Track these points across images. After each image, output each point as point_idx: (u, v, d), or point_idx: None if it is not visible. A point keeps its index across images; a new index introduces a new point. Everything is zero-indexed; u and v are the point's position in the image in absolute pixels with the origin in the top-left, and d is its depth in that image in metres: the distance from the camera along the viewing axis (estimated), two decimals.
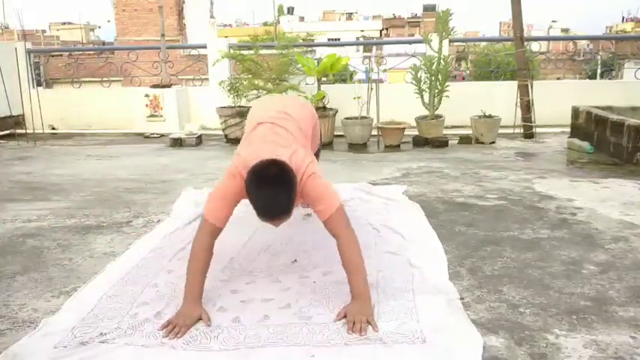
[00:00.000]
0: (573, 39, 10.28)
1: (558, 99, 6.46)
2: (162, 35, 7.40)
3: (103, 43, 29.31)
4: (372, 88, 5.97)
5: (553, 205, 3.50)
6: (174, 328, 1.93)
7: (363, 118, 5.94)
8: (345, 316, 1.99)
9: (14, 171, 4.97)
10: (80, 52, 11.69)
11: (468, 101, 6.33)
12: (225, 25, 40.20)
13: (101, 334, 1.92)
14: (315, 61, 6.76)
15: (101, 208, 3.63)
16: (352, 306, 2.02)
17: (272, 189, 1.94)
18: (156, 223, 3.27)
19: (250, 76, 6.42)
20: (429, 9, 42.69)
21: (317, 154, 2.76)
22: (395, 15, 49.92)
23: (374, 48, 16.16)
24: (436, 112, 6.02)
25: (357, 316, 1.95)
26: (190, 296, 2.06)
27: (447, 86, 5.98)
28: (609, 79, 11.10)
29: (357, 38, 34.62)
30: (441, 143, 5.73)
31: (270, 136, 2.27)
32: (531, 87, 6.12)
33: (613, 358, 1.76)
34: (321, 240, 2.68)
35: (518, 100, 6.19)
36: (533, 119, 6.08)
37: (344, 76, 7.74)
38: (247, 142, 2.34)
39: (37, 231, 3.17)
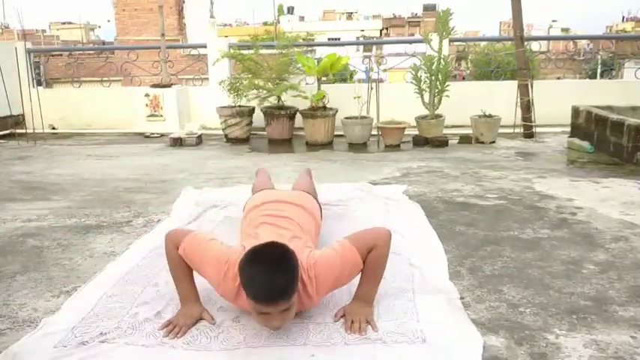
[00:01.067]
0: (573, 38, 10.29)
1: (558, 98, 6.46)
2: (162, 35, 7.40)
3: (103, 43, 29.31)
4: (372, 88, 5.97)
5: (553, 204, 3.50)
6: (175, 327, 1.93)
7: (363, 117, 5.93)
8: (343, 316, 1.99)
9: (14, 170, 4.97)
10: (80, 52, 11.67)
11: (468, 101, 6.33)
12: (225, 25, 40.24)
13: (101, 333, 1.92)
14: (315, 61, 6.76)
15: (101, 207, 3.63)
16: (352, 305, 2.01)
17: (270, 267, 1.70)
18: (156, 222, 3.27)
19: (250, 75, 6.42)
20: (429, 9, 42.74)
21: None
22: (395, 15, 49.93)
23: (374, 47, 16.15)
24: (436, 112, 6.02)
25: (356, 316, 1.94)
26: (187, 297, 2.06)
27: (447, 86, 5.98)
28: (609, 78, 11.07)
29: (357, 38, 34.63)
30: (441, 143, 5.73)
31: (271, 234, 2.13)
32: (531, 86, 6.12)
33: (613, 357, 1.76)
34: (321, 239, 2.68)
35: (519, 99, 6.19)
36: (533, 119, 6.08)
37: (344, 75, 7.74)
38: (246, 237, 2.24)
39: (37, 231, 3.17)
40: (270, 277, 1.69)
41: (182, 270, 2.07)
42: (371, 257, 2.00)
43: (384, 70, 8.18)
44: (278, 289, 1.69)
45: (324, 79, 6.56)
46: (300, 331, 1.92)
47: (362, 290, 2.05)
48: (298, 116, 6.28)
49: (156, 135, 6.84)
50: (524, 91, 6.14)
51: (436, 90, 5.98)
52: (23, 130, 6.85)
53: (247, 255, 1.76)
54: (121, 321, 2.01)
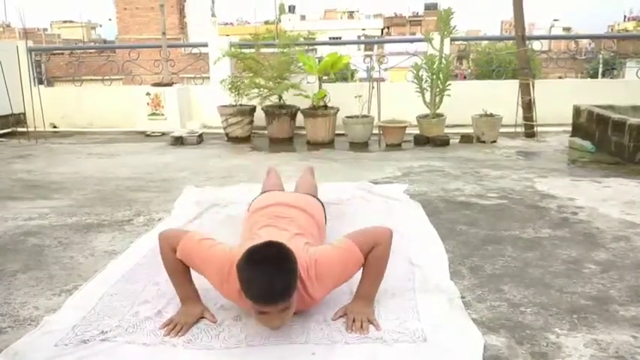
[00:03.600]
0: (575, 38, 10.25)
1: (560, 98, 6.45)
2: (164, 33, 7.40)
3: (105, 42, 29.33)
4: (373, 87, 5.97)
5: (554, 204, 3.50)
6: (176, 326, 1.93)
7: (364, 116, 5.93)
8: (344, 315, 1.99)
9: (15, 169, 4.97)
10: (81, 51, 11.71)
11: (469, 100, 6.32)
12: (227, 24, 40.23)
13: (102, 332, 1.93)
14: (317, 60, 6.75)
15: (102, 206, 3.64)
16: (353, 304, 2.01)
17: (269, 267, 1.68)
18: (157, 221, 3.27)
19: (251, 74, 6.41)
20: (430, 8, 42.76)
21: None
22: (396, 14, 49.87)
23: (375, 47, 16.17)
24: (437, 111, 6.01)
25: (358, 315, 1.94)
26: (186, 296, 2.06)
27: (448, 85, 5.97)
28: (611, 78, 11.07)
29: (359, 37, 34.56)
30: (442, 142, 5.72)
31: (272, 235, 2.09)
32: (533, 86, 6.11)
33: (614, 357, 1.76)
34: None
35: (520, 99, 6.18)
36: (534, 118, 6.07)
37: (345, 74, 7.72)
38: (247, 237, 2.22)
39: (38, 229, 3.17)
40: (268, 278, 1.67)
41: (179, 272, 2.05)
42: (372, 256, 2.00)
43: (385, 70, 8.16)
44: (276, 289, 1.68)
45: (325, 78, 6.56)
46: (301, 329, 1.92)
47: (363, 289, 2.04)
48: (299, 115, 6.27)
49: (157, 134, 6.83)
50: (525, 90, 6.13)
51: (437, 89, 5.97)
52: (24, 129, 6.86)
53: (245, 255, 1.74)
54: (122, 319, 2.02)
